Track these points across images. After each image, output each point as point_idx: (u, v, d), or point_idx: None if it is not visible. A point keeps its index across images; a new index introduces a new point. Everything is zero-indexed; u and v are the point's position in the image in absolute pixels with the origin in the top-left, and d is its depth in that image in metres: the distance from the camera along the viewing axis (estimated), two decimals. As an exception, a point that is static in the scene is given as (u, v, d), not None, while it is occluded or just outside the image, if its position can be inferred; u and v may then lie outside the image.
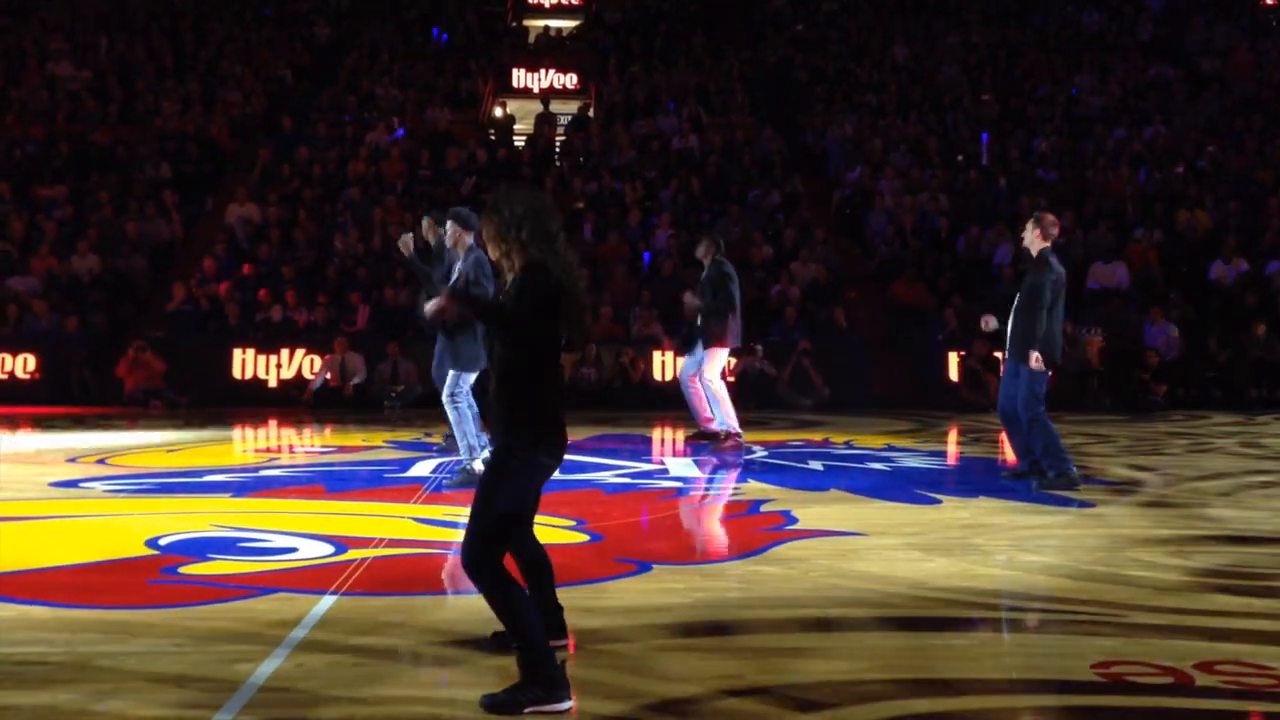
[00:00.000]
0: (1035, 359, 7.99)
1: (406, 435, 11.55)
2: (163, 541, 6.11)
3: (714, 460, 9.92)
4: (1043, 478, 8.11)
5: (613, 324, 16.70)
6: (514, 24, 27.88)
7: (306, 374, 16.08)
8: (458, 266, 8.20)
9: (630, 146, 21.09)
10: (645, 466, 9.61)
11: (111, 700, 3.70)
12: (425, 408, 13.30)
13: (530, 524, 4.11)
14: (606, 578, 5.47)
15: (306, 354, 16.18)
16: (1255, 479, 8.85)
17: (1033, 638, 4.62)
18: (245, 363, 16.21)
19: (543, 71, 25.04)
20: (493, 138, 22.23)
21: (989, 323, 8.69)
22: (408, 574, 5.53)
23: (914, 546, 6.13)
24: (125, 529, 6.53)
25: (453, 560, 5.98)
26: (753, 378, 15.63)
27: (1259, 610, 4.91)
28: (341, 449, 10.75)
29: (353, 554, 5.81)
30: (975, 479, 8.91)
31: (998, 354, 14.42)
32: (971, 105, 22.97)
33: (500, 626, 4.22)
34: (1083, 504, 7.53)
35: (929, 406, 15.24)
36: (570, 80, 25.04)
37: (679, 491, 8.41)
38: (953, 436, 12.55)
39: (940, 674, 4.05)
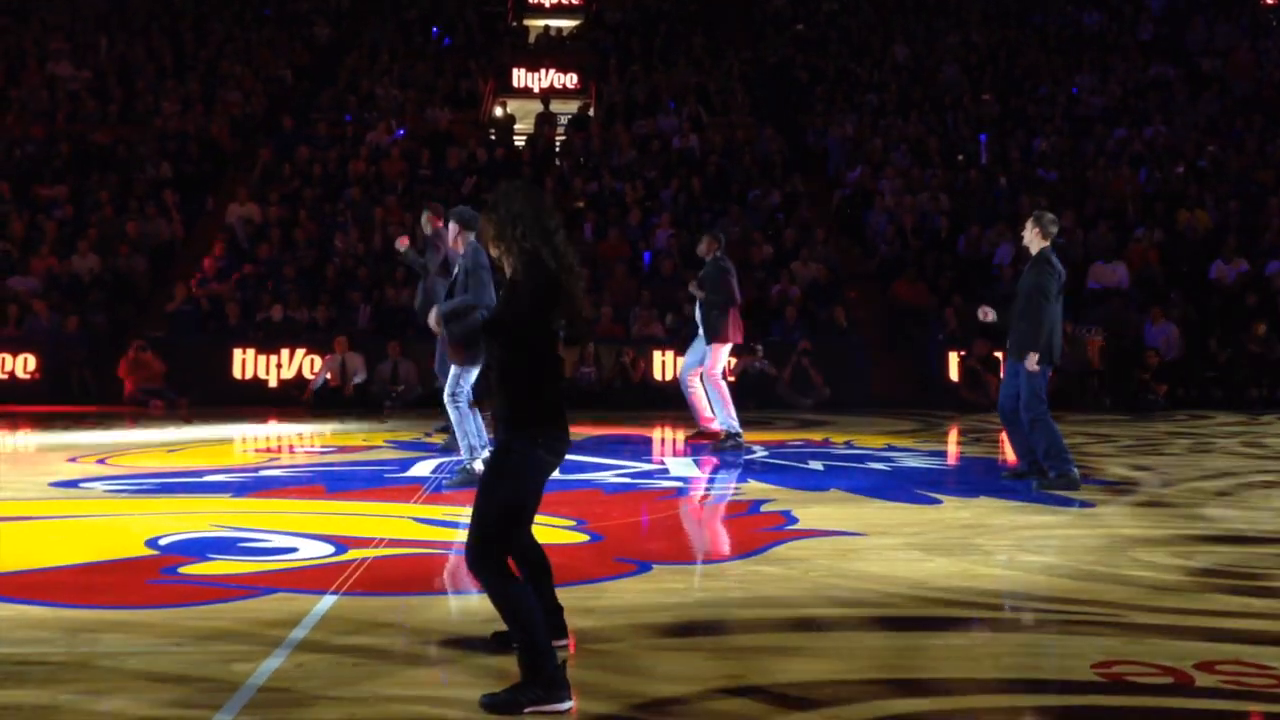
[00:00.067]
0: (1032, 360, 7.98)
1: (406, 435, 11.55)
2: (163, 541, 6.11)
3: (714, 460, 9.92)
4: (1043, 478, 8.11)
5: (613, 324, 16.71)
6: (514, 24, 27.88)
7: (306, 374, 16.08)
8: (459, 263, 8.27)
9: (630, 146, 21.10)
10: (645, 466, 9.61)
11: (111, 700, 3.70)
12: (425, 408, 13.29)
13: (530, 523, 4.11)
14: (606, 578, 5.47)
15: (306, 354, 16.19)
16: (1256, 479, 8.85)
17: (1033, 638, 4.61)
18: (245, 363, 16.22)
19: (543, 71, 25.04)
20: (493, 138, 22.23)
21: (987, 314, 8.69)
22: (408, 574, 5.53)
23: (914, 546, 6.13)
24: (125, 529, 6.53)
25: (454, 560, 5.99)
26: (753, 378, 15.63)
27: (1259, 610, 4.91)
28: (341, 449, 10.75)
29: (353, 554, 5.81)
30: (975, 479, 8.91)
31: (998, 354, 14.44)
32: (971, 105, 22.98)
33: (500, 626, 4.23)
34: (1083, 504, 7.53)
35: (929, 406, 15.24)
36: (570, 80, 25.04)
37: (679, 491, 8.40)
38: (953, 436, 12.54)
39: (940, 674, 4.05)
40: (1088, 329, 16.19)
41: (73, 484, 8.26)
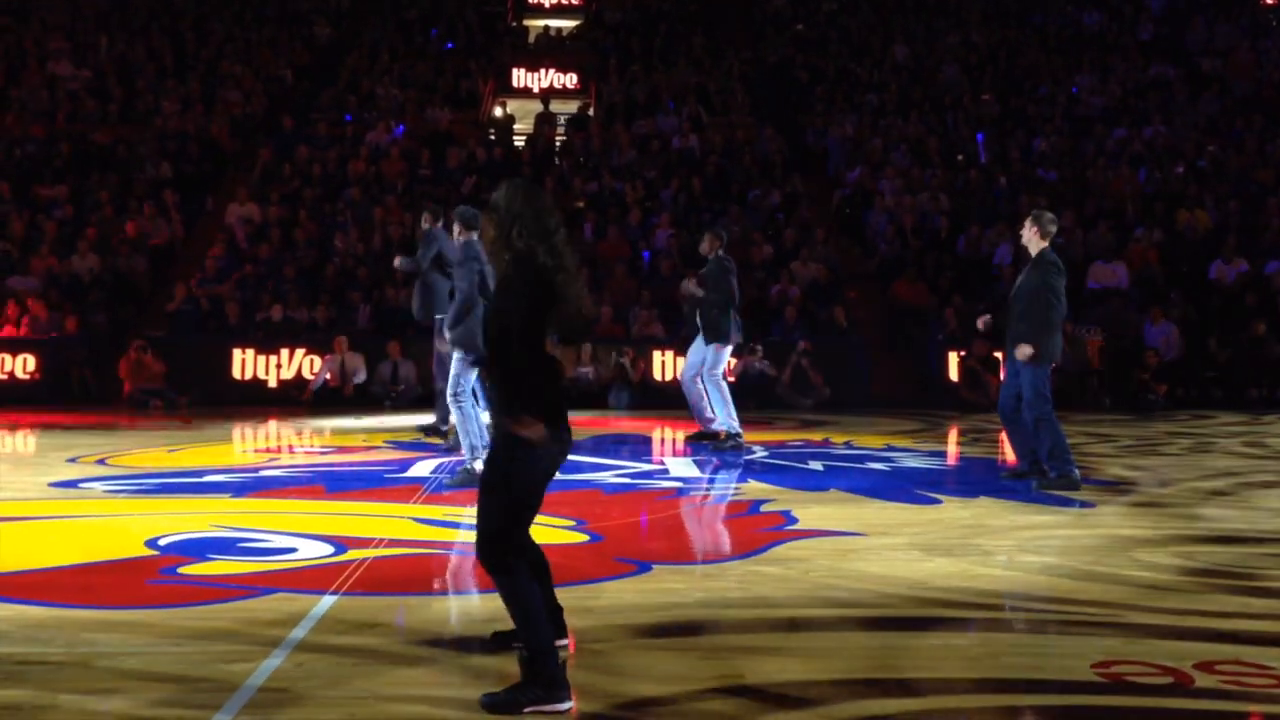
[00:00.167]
0: (1027, 350, 7.96)
1: (406, 435, 11.55)
2: (162, 542, 6.11)
3: (714, 460, 9.92)
4: (1043, 478, 8.11)
5: (613, 324, 16.70)
6: (514, 24, 27.89)
7: (306, 374, 16.08)
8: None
9: (630, 146, 21.10)
10: (645, 466, 9.61)
11: (111, 700, 3.70)
12: (425, 408, 13.29)
13: (531, 522, 4.11)
14: (606, 578, 5.47)
15: (306, 354, 16.19)
16: (1257, 479, 8.85)
17: (1033, 638, 4.61)
18: (245, 363, 16.21)
19: (543, 71, 25.05)
20: (492, 137, 22.23)
21: (986, 323, 8.69)
22: (407, 574, 5.53)
23: (914, 546, 6.13)
24: (125, 529, 6.53)
25: (455, 560, 5.99)
26: (753, 378, 15.63)
27: (1259, 610, 4.91)
28: (341, 449, 10.75)
29: (352, 554, 5.81)
30: (975, 479, 8.91)
31: (998, 354, 14.44)
32: (971, 105, 22.98)
33: (500, 626, 4.24)
34: (1083, 504, 7.53)
35: (929, 406, 15.24)
36: (570, 80, 25.04)
37: (679, 491, 8.40)
38: (953, 436, 12.54)
39: (940, 674, 4.05)
40: (1087, 329, 16.19)
41: (72, 484, 8.26)
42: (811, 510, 7.21)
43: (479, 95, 23.91)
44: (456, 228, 8.53)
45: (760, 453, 10.41)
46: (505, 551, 3.79)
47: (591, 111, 23.09)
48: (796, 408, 15.35)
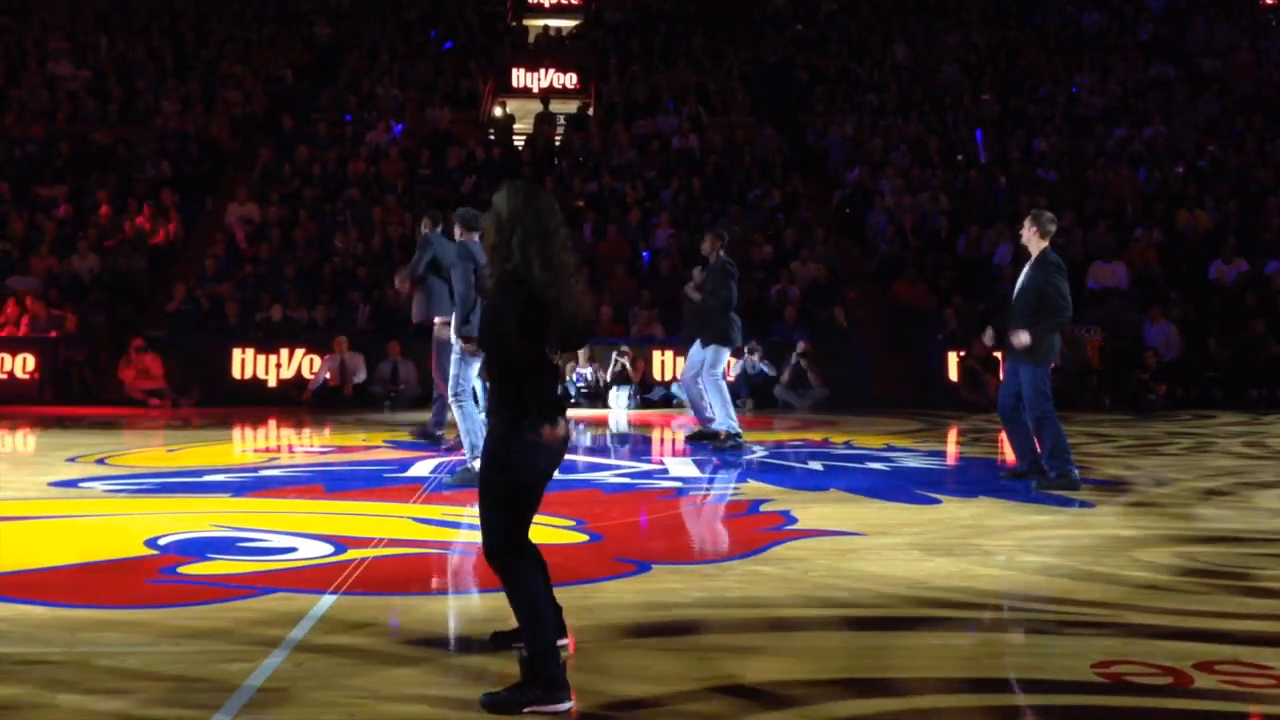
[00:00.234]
0: (1024, 339, 7.96)
1: (406, 435, 11.55)
2: (162, 541, 6.11)
3: (714, 460, 9.92)
4: (1042, 478, 8.11)
5: (613, 324, 16.71)
6: (514, 24, 27.90)
7: (306, 374, 16.08)
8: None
9: (630, 146, 21.10)
10: (645, 466, 9.61)
11: (111, 700, 3.70)
12: (425, 408, 13.28)
13: (531, 521, 4.11)
14: (605, 578, 5.47)
15: (306, 354, 16.19)
16: (1256, 479, 8.85)
17: (1032, 638, 4.61)
18: (245, 363, 16.23)
19: (543, 71, 25.05)
20: (492, 137, 22.23)
21: (989, 338, 8.72)
22: (407, 574, 5.53)
23: (914, 546, 6.13)
24: (125, 529, 6.53)
25: (456, 559, 5.99)
26: (753, 378, 15.63)
27: (1258, 610, 4.90)
28: (341, 449, 10.75)
29: (352, 554, 5.81)
30: (975, 479, 8.90)
31: (997, 354, 14.44)
32: (971, 105, 22.98)
33: (500, 626, 4.23)
34: (1083, 504, 7.53)
35: (929, 406, 15.24)
36: (570, 80, 25.05)
37: (679, 491, 8.40)
38: (952, 436, 12.54)
39: (941, 674, 4.04)
40: (1087, 329, 16.19)
41: (72, 484, 8.26)
42: (811, 510, 7.21)
43: (479, 95, 23.92)
44: (457, 229, 8.56)
45: (760, 453, 10.41)
46: (511, 550, 3.79)
47: (591, 111, 23.09)
48: (796, 408, 15.36)
